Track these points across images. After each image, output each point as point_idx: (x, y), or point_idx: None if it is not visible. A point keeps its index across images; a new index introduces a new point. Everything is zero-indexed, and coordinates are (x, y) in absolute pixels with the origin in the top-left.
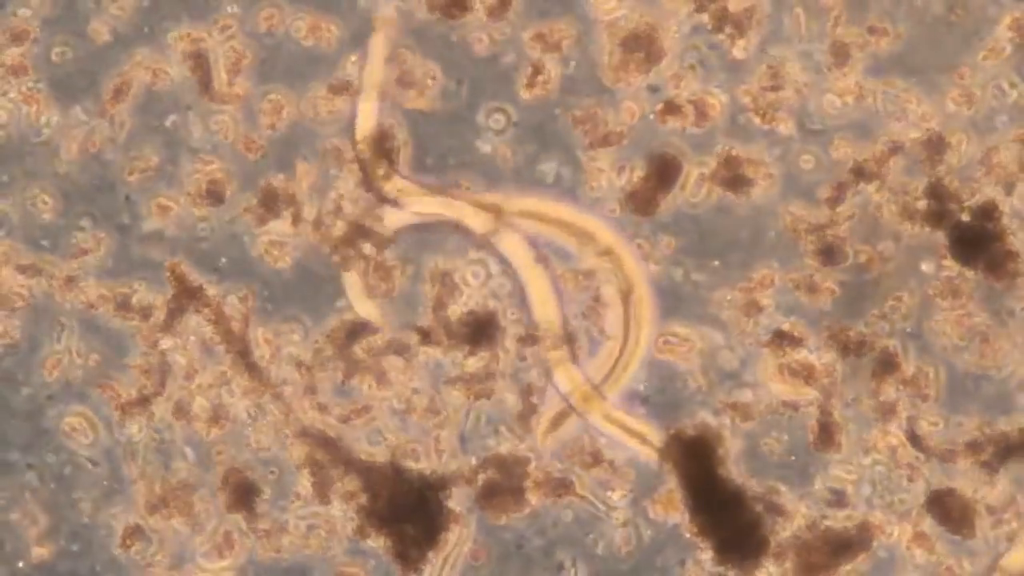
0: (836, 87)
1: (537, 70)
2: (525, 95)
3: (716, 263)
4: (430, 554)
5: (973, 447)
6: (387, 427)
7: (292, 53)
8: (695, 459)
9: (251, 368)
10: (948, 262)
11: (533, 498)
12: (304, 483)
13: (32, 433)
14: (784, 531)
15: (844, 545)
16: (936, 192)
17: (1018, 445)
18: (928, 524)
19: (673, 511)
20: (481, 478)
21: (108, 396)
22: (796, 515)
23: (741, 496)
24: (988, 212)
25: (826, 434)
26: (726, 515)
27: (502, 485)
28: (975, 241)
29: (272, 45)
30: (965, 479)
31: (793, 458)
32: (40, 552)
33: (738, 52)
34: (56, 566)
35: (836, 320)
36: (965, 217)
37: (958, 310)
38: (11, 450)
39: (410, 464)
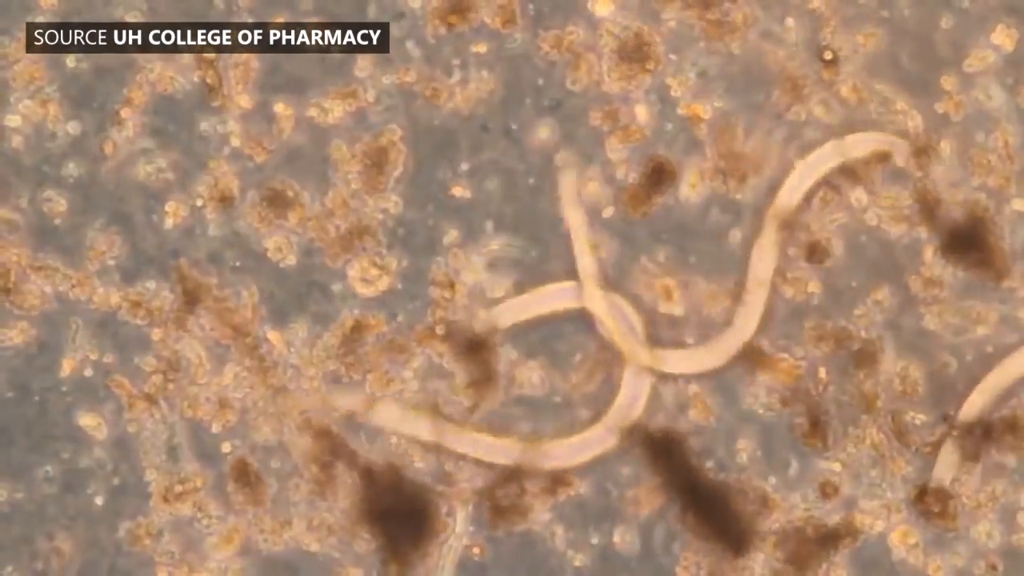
0: (827, 91)
1: (579, 57)
2: (572, 87)
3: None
4: (422, 553)
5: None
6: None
7: (301, 58)
8: (666, 453)
9: (258, 364)
10: (931, 263)
11: (535, 503)
12: (306, 478)
13: (47, 430)
14: (773, 523)
15: (831, 538)
16: (923, 196)
17: (1000, 436)
18: (913, 517)
19: (649, 505)
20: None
21: (121, 393)
22: (784, 508)
23: (718, 487)
24: (975, 215)
25: (813, 429)
26: (708, 507)
27: (503, 498)
28: (963, 243)
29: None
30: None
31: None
32: (54, 547)
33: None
34: (69, 561)
35: (819, 316)
36: (952, 221)
37: (940, 305)
38: (26, 447)
39: (409, 463)
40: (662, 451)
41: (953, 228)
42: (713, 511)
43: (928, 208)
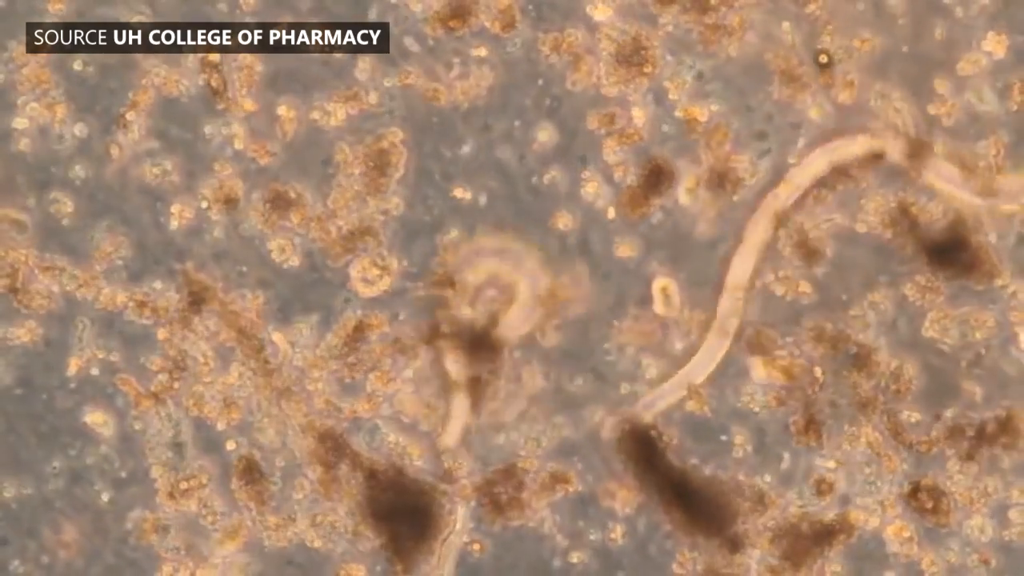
0: (822, 92)
1: (578, 59)
2: (571, 87)
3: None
4: (425, 551)
5: (950, 437)
6: (390, 427)
7: (304, 62)
8: (643, 450)
9: (263, 364)
10: (921, 270)
11: (533, 500)
12: (309, 477)
13: (54, 427)
14: (768, 520)
15: (826, 534)
16: (907, 203)
17: (993, 434)
18: (908, 514)
19: (629, 499)
20: (481, 483)
21: (126, 391)
22: (778, 504)
23: (695, 482)
24: (961, 218)
25: (808, 427)
26: (691, 503)
27: (501, 491)
28: (949, 247)
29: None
30: (942, 469)
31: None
32: (60, 544)
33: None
34: (75, 556)
35: (815, 316)
36: (937, 223)
37: (935, 308)
38: (34, 444)
39: (410, 463)
40: (646, 449)
41: (939, 231)
42: (701, 508)
43: (911, 215)
